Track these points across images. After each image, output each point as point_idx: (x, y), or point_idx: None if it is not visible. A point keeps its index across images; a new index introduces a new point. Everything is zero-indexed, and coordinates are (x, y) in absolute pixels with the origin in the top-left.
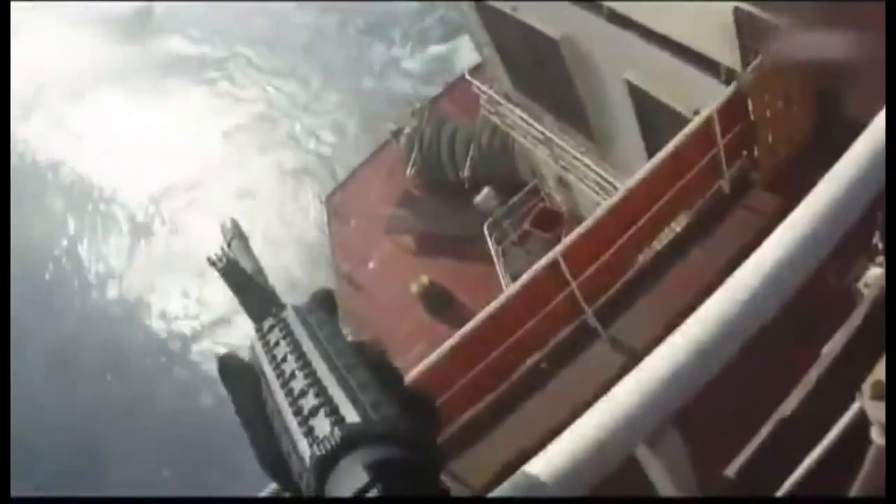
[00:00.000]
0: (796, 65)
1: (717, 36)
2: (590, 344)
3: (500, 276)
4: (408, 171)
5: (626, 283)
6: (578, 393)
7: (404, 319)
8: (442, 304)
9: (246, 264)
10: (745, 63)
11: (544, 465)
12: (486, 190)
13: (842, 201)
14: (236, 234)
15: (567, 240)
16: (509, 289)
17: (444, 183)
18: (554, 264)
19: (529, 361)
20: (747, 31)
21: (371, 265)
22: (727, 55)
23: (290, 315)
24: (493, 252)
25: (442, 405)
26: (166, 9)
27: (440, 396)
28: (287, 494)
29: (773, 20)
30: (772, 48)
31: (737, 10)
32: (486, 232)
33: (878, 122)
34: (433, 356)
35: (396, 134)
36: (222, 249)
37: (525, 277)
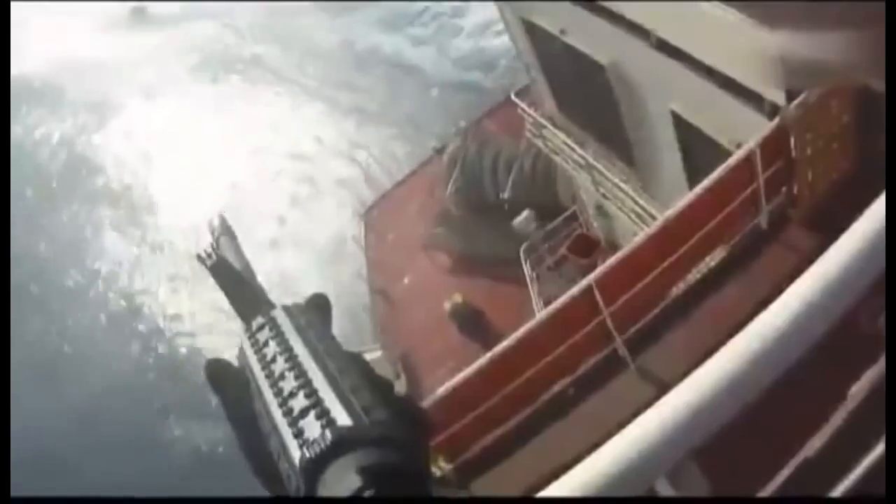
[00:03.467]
0: (839, 99)
1: (763, 70)
2: (618, 373)
3: (534, 300)
4: (448, 190)
5: (658, 314)
6: (603, 422)
7: (436, 337)
8: (474, 324)
9: (235, 262)
10: (790, 99)
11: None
12: (525, 213)
13: (874, 245)
14: (224, 231)
15: (602, 267)
16: (541, 313)
17: (484, 203)
18: (588, 291)
19: (557, 386)
20: (793, 67)
21: (406, 281)
22: (772, 90)
23: (279, 315)
24: (527, 275)
25: (467, 424)
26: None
27: (466, 415)
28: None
29: (820, 56)
30: (817, 84)
31: (784, 46)
32: (522, 255)
33: None
34: (461, 375)
35: (439, 151)
36: (212, 246)
37: (558, 303)
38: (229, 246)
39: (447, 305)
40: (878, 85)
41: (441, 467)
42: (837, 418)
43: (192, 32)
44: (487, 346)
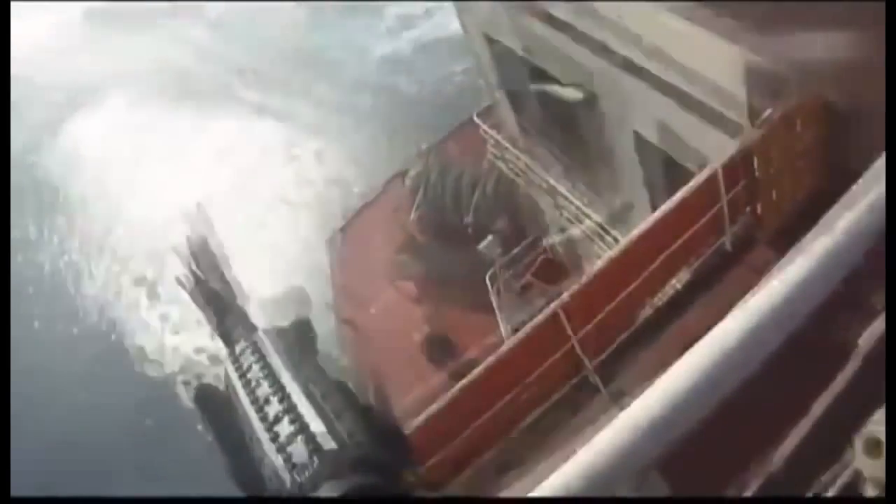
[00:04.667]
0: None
1: (727, 90)
2: (590, 400)
3: (502, 327)
4: (412, 214)
5: (627, 338)
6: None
7: (405, 366)
8: (443, 352)
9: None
10: (753, 118)
11: None
12: (489, 238)
13: (827, 259)
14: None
15: (568, 293)
16: (508, 341)
17: (448, 228)
18: (554, 318)
19: (530, 417)
20: (757, 86)
21: (372, 310)
22: (735, 109)
23: (261, 338)
24: (494, 302)
25: (441, 460)
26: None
27: (439, 450)
28: None
29: (784, 74)
30: (782, 101)
31: (747, 65)
32: (488, 281)
33: (875, 168)
34: (431, 408)
35: (402, 175)
36: (190, 269)
37: (524, 331)
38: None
39: (416, 336)
40: (843, 97)
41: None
42: (802, 428)
43: (157, 35)
44: (458, 374)
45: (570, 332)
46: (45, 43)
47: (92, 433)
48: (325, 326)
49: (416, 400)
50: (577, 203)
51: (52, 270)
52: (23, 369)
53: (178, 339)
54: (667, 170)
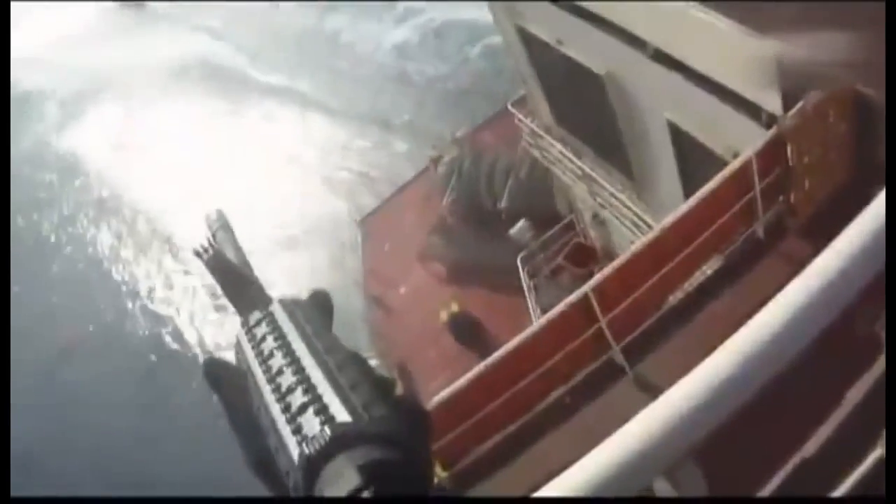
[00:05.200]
0: (836, 107)
1: (760, 79)
2: (615, 381)
3: (531, 309)
4: (445, 199)
5: (654, 322)
6: (600, 430)
7: (432, 346)
8: (470, 333)
9: (232, 256)
10: (787, 108)
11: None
12: (521, 222)
13: (867, 249)
14: (222, 226)
15: (598, 276)
16: (538, 321)
17: (481, 213)
18: (584, 300)
19: (554, 395)
20: (790, 76)
21: (402, 290)
22: (769, 99)
23: (277, 309)
24: (524, 284)
25: (463, 433)
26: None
27: (462, 424)
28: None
29: (817, 65)
30: (814, 92)
31: (780, 55)
32: (519, 264)
33: None
34: (457, 384)
35: (436, 161)
36: (208, 241)
37: (554, 311)
38: (226, 240)
39: (443, 314)
40: (874, 90)
41: (437, 475)
42: (834, 420)
43: (177, 33)
44: (484, 356)
45: (599, 314)
46: (72, 31)
47: (96, 352)
48: (349, 304)
49: (443, 379)
50: (611, 189)
51: (73, 224)
52: (34, 304)
53: (189, 279)
54: (701, 158)
